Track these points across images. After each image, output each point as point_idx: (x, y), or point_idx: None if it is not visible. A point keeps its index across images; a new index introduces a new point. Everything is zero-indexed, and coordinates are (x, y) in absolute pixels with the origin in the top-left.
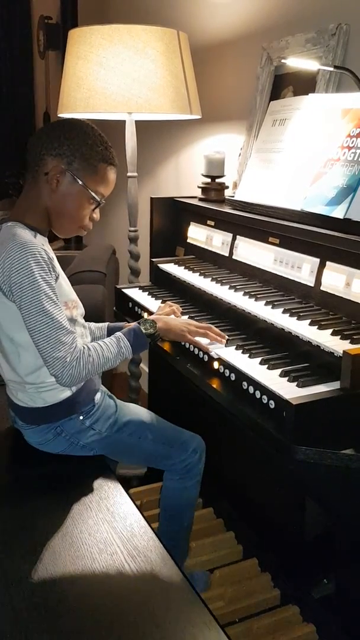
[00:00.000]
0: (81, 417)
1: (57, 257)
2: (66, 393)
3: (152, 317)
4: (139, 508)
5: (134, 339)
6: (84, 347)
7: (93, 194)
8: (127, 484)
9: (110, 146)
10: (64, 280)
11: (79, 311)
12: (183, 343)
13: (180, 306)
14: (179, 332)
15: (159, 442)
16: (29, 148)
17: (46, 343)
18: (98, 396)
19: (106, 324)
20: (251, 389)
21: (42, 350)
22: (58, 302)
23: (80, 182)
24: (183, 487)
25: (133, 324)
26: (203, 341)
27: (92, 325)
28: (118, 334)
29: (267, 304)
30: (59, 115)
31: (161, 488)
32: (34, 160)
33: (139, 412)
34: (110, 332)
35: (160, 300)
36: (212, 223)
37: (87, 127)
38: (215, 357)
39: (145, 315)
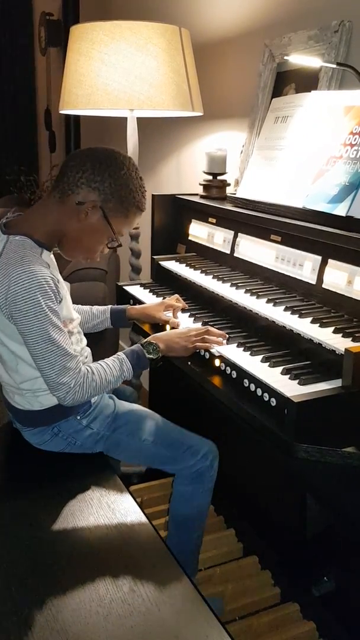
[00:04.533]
0: (78, 417)
1: (57, 254)
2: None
3: (153, 337)
4: (140, 505)
5: (137, 361)
6: (87, 371)
7: (116, 235)
8: (127, 481)
9: (145, 191)
10: (66, 300)
11: (75, 323)
12: None
13: None
14: (180, 349)
15: (161, 444)
16: (65, 168)
17: (51, 370)
18: (96, 396)
19: (109, 307)
20: (252, 387)
21: (46, 376)
22: (62, 328)
23: (108, 222)
24: (193, 494)
25: (136, 346)
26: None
27: (95, 308)
28: (122, 355)
29: (268, 301)
30: (60, 112)
31: (170, 496)
32: (69, 183)
33: (139, 412)
34: (113, 314)
35: (162, 298)
36: (214, 220)
37: (133, 169)
38: (217, 354)
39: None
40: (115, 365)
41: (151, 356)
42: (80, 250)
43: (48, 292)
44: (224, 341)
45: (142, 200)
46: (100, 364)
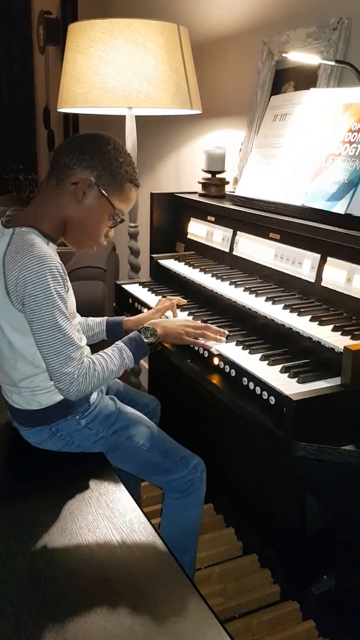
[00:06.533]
0: (77, 417)
1: (57, 253)
2: (61, 395)
3: (150, 322)
4: (139, 504)
5: (136, 348)
6: (89, 362)
7: (116, 211)
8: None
9: (136, 167)
10: (71, 293)
11: (76, 321)
12: None
13: None
14: (176, 335)
15: (157, 451)
16: (56, 155)
17: (56, 358)
18: (94, 396)
19: (105, 318)
20: (251, 385)
21: (50, 364)
22: (69, 318)
23: (106, 197)
24: (184, 508)
25: (133, 333)
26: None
27: (91, 320)
28: (120, 344)
29: (267, 299)
30: (58, 110)
31: (160, 519)
32: (62, 168)
33: (139, 418)
34: (109, 326)
35: (161, 296)
36: (213, 219)
37: (119, 145)
38: (216, 353)
39: (145, 310)
40: (115, 354)
41: (149, 340)
42: (86, 235)
43: (58, 278)
44: (223, 339)
45: (133, 173)
46: (101, 354)
